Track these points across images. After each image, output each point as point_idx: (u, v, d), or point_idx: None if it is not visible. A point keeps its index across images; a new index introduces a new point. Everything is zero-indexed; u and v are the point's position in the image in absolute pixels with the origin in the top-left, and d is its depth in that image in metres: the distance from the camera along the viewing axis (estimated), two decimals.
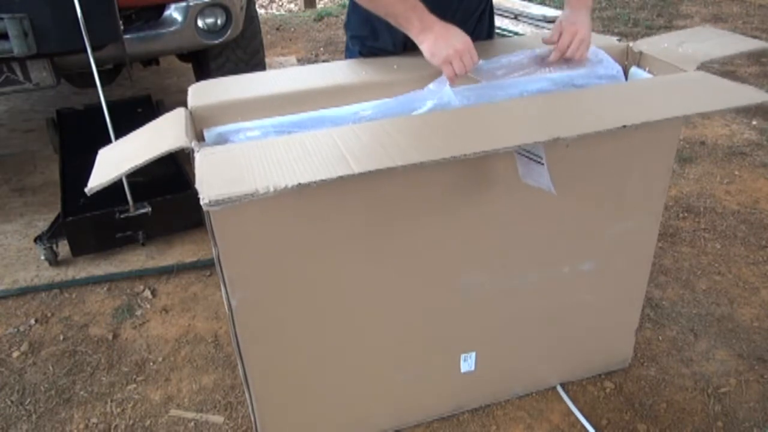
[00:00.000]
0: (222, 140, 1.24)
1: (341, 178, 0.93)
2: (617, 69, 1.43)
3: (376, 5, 1.34)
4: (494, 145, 1.01)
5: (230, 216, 1.09)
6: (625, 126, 1.07)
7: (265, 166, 0.96)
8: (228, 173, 0.95)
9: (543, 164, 1.11)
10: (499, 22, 4.78)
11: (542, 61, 1.42)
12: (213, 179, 0.94)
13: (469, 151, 0.99)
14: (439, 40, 1.29)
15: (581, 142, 1.21)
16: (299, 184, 0.91)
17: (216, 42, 2.47)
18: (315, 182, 0.92)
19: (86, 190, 0.98)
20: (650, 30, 4.65)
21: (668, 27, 4.74)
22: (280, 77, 1.39)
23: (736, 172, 2.70)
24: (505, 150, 1.02)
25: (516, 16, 4.80)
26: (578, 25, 1.40)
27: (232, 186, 0.91)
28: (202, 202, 0.89)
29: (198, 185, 0.92)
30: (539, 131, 1.05)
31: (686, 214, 2.41)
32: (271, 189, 0.90)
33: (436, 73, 1.34)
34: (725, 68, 3.83)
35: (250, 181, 0.92)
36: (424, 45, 1.31)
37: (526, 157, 1.15)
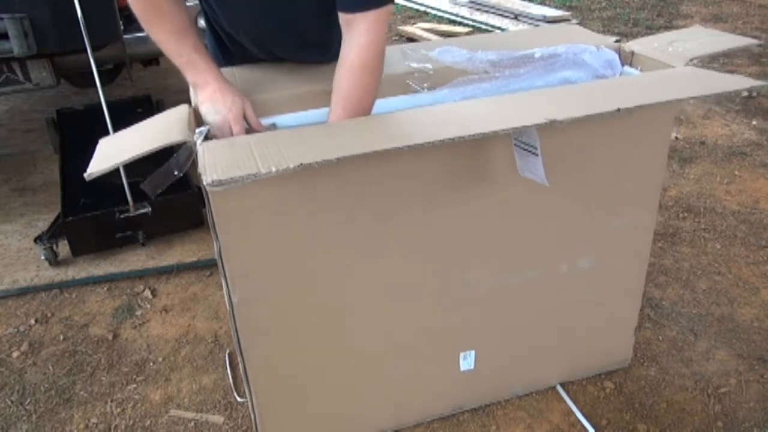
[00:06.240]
0: None
1: (343, 158, 0.94)
2: (608, 58, 1.45)
3: (159, 45, 1.24)
4: (491, 128, 1.02)
5: (232, 207, 1.10)
6: (619, 109, 1.08)
7: (267, 152, 0.98)
8: (231, 159, 0.97)
9: (538, 155, 1.12)
10: (499, 22, 4.78)
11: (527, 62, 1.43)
12: (216, 164, 0.95)
13: (466, 133, 1.00)
14: (208, 103, 1.20)
15: (576, 130, 1.22)
16: (301, 164, 0.92)
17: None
18: (317, 163, 0.93)
19: (85, 175, 0.98)
20: (650, 30, 4.65)
21: (668, 27, 4.74)
22: (278, 70, 1.40)
23: (736, 172, 2.70)
24: (502, 132, 1.03)
25: (516, 16, 4.81)
26: None
27: (235, 168, 0.93)
28: (205, 182, 0.90)
29: (201, 169, 0.94)
30: (535, 115, 1.06)
31: (686, 214, 2.41)
32: (273, 169, 0.91)
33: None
34: (725, 69, 3.83)
35: (253, 163, 0.94)
36: (198, 103, 1.23)
37: (523, 149, 1.16)
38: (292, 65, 1.42)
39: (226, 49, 1.47)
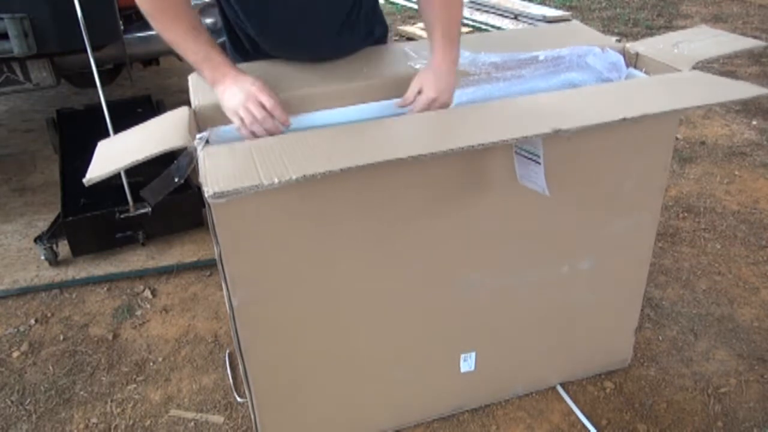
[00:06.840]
0: (225, 140, 1.24)
1: (345, 170, 0.94)
2: (613, 60, 1.44)
3: (172, 45, 1.24)
4: (496, 137, 1.02)
5: (232, 213, 1.09)
6: (624, 119, 1.08)
7: (269, 161, 0.97)
8: (233, 168, 0.96)
9: (540, 164, 1.12)
10: (499, 22, 4.77)
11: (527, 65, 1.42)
12: (218, 173, 0.95)
13: (471, 143, 1.00)
14: (231, 87, 1.20)
15: (581, 137, 1.22)
16: (304, 176, 0.92)
17: (216, 42, 2.47)
18: (319, 174, 0.92)
19: (84, 180, 0.98)
20: (650, 30, 4.65)
21: (668, 27, 4.74)
22: (287, 70, 1.40)
23: (736, 172, 2.70)
24: (510, 141, 1.02)
25: (516, 16, 4.80)
26: (440, 90, 1.23)
27: (237, 179, 0.92)
28: (206, 195, 0.89)
29: (202, 179, 0.93)
30: (540, 124, 1.06)
31: (686, 214, 2.41)
32: (276, 181, 0.91)
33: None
34: (725, 68, 3.83)
35: (255, 174, 0.93)
36: (219, 94, 1.22)
37: (525, 156, 1.16)
38: (301, 66, 1.41)
39: (243, 49, 1.47)
